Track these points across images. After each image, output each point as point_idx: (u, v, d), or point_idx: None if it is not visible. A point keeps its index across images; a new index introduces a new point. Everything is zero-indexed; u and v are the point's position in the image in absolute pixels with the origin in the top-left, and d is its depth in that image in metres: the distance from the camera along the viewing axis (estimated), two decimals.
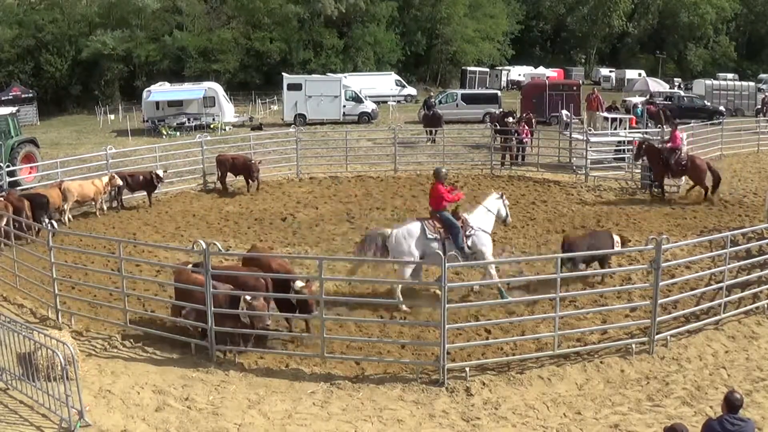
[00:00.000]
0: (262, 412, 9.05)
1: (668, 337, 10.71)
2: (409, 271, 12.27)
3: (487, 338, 10.87)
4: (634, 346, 10.49)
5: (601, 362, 10.22)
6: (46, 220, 12.41)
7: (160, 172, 20.15)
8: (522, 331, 11.19)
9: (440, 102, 38.65)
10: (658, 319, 10.54)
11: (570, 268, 12.55)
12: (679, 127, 21.52)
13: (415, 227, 12.47)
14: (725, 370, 10.08)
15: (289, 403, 9.26)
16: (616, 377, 9.90)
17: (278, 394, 9.49)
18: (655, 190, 20.53)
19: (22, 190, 19.46)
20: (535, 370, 10.01)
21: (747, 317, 11.70)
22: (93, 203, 18.98)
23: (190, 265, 11.23)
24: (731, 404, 6.45)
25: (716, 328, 11.30)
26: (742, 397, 6.62)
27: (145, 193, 20.16)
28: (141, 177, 19.74)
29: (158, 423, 8.81)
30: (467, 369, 9.86)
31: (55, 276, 11.84)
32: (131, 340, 11.03)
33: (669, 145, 20.06)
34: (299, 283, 10.69)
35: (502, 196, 13.55)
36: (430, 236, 12.31)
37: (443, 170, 13.08)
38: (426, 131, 30.37)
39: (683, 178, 20.45)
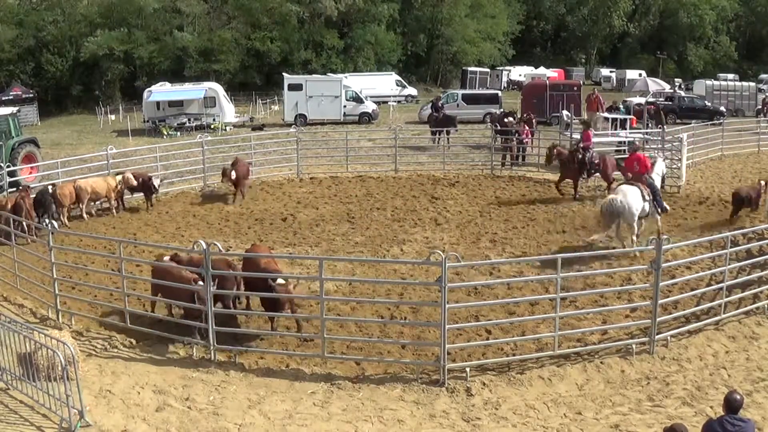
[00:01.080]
0: (263, 412, 9.05)
1: (668, 338, 10.71)
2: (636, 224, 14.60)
3: (487, 338, 10.87)
4: (634, 346, 10.49)
5: (601, 362, 10.22)
6: (46, 220, 12.41)
7: (157, 182, 19.64)
8: (522, 331, 11.19)
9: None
10: (658, 319, 10.55)
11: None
12: (591, 129, 21.64)
13: (636, 191, 14.61)
14: (725, 370, 10.09)
15: (289, 404, 9.26)
16: (617, 377, 9.90)
17: (279, 395, 9.49)
18: (564, 189, 20.17)
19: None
20: (535, 371, 10.01)
21: (747, 317, 11.70)
22: (107, 201, 19.05)
23: (166, 257, 11.36)
24: (731, 404, 6.45)
25: (716, 328, 11.30)
26: (742, 398, 6.62)
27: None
28: (140, 179, 19.65)
29: (159, 423, 8.81)
30: (468, 369, 9.86)
31: (55, 276, 11.85)
32: (131, 340, 11.04)
33: (582, 144, 20.00)
34: (280, 281, 10.69)
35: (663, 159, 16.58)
36: (646, 198, 14.66)
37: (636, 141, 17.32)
38: (433, 134, 28.78)
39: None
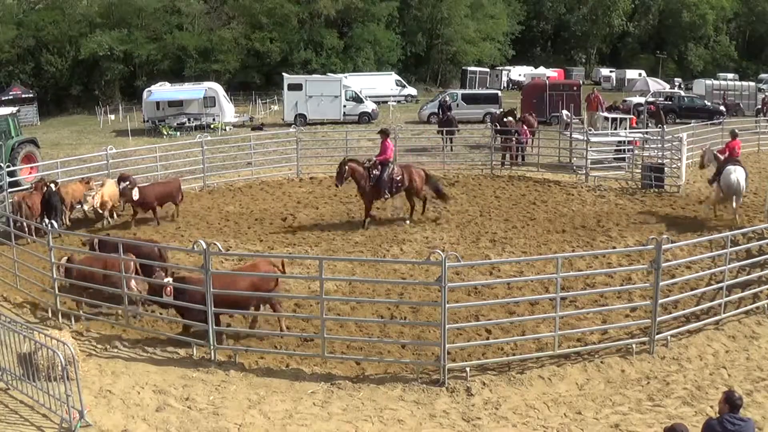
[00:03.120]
0: (263, 412, 9.05)
1: (668, 337, 10.71)
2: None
3: (487, 338, 10.87)
4: (634, 346, 10.49)
5: (601, 362, 10.22)
6: (46, 220, 12.41)
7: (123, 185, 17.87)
8: (522, 331, 11.19)
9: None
10: (658, 319, 10.54)
11: None
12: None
13: (742, 170, 16.96)
14: (726, 369, 10.09)
15: (289, 403, 9.26)
16: (617, 377, 9.90)
17: (279, 394, 9.49)
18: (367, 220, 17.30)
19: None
20: (535, 370, 10.01)
21: (747, 317, 11.70)
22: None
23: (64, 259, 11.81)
24: (731, 404, 6.44)
25: (716, 328, 11.30)
26: (741, 396, 6.62)
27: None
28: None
29: (159, 423, 8.81)
30: (468, 369, 9.86)
31: (55, 276, 11.85)
32: (131, 340, 11.03)
33: (378, 158, 17.25)
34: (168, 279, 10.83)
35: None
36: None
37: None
38: (440, 135, 27.64)
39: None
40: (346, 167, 16.88)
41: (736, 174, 16.82)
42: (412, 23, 67.18)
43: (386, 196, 17.26)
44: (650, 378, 9.84)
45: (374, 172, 16.97)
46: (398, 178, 17.13)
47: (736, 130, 18.76)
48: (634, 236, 16.15)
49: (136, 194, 17.34)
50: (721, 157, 17.85)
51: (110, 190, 17.81)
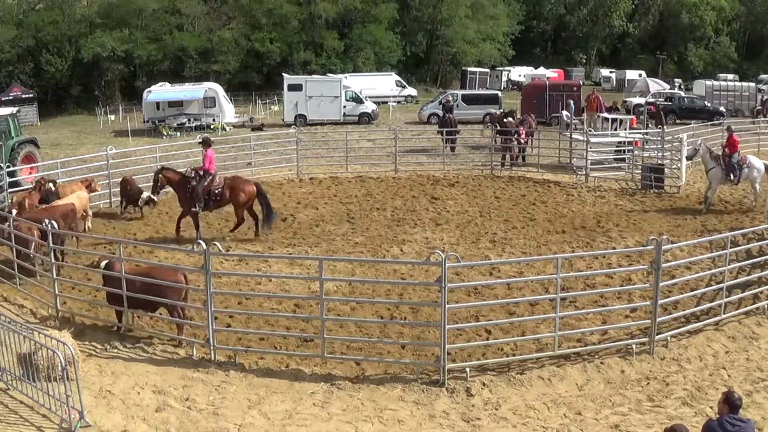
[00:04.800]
0: (263, 413, 9.05)
1: (668, 338, 10.71)
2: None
3: (487, 339, 10.87)
4: (634, 346, 10.49)
5: (601, 363, 10.22)
6: (46, 220, 12.39)
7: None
8: (522, 331, 11.19)
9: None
10: (658, 319, 10.55)
11: None
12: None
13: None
14: (725, 370, 10.09)
15: (289, 404, 9.26)
16: (617, 378, 9.90)
17: (278, 395, 9.49)
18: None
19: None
20: (535, 371, 10.01)
21: (747, 318, 11.70)
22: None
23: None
24: (731, 404, 6.44)
25: (716, 328, 11.30)
26: (740, 397, 6.62)
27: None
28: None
29: (158, 423, 8.81)
30: (467, 369, 9.86)
31: (55, 276, 11.85)
32: (131, 340, 11.03)
33: (203, 168, 16.25)
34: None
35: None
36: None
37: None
38: (441, 136, 27.24)
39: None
40: (161, 176, 16.31)
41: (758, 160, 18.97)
42: (412, 24, 67.21)
43: (197, 209, 16.20)
44: (650, 378, 9.85)
45: (192, 182, 16.09)
46: (217, 191, 16.20)
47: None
48: (633, 237, 16.16)
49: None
50: (726, 152, 18.71)
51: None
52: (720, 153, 18.87)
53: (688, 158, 20.20)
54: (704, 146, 19.16)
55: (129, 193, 18.98)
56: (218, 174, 16.56)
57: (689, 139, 21.72)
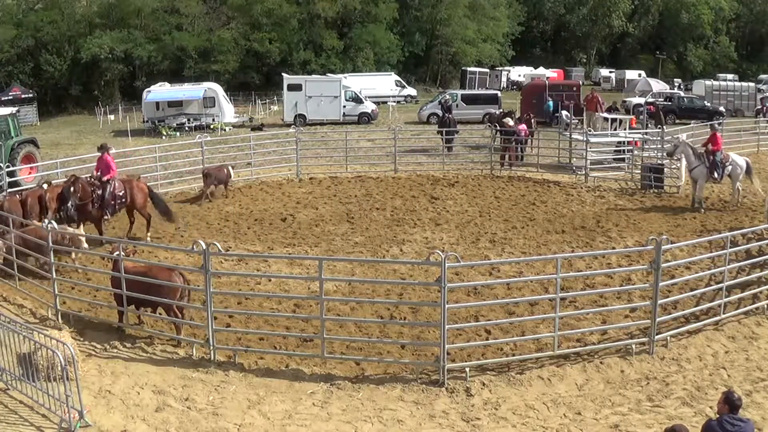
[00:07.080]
0: (262, 413, 9.05)
1: (668, 338, 10.71)
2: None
3: (487, 338, 10.88)
4: (634, 346, 10.50)
5: (601, 363, 10.22)
6: (46, 220, 12.40)
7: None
8: (522, 331, 11.19)
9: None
10: (658, 319, 10.55)
11: None
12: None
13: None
14: (725, 370, 10.09)
15: (289, 404, 9.26)
16: (616, 378, 9.90)
17: (278, 395, 9.49)
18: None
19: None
20: (535, 371, 10.01)
21: (747, 318, 11.71)
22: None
23: None
24: (731, 404, 6.45)
25: (716, 328, 11.30)
26: (740, 397, 6.62)
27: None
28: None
29: (158, 423, 8.81)
30: (467, 369, 9.86)
31: (55, 276, 11.85)
32: (131, 340, 11.04)
33: (108, 175, 15.85)
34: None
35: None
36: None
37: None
38: (441, 136, 26.95)
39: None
40: (75, 185, 15.41)
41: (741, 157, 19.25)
42: (412, 24, 67.20)
43: (107, 217, 16.04)
44: (650, 378, 9.85)
45: (97, 191, 15.69)
46: (120, 194, 16.01)
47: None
48: (633, 237, 16.17)
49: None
50: (710, 149, 18.84)
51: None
52: (703, 151, 18.88)
53: (668, 155, 20.21)
54: (685, 143, 19.21)
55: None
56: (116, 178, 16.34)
57: (689, 140, 21.72)
